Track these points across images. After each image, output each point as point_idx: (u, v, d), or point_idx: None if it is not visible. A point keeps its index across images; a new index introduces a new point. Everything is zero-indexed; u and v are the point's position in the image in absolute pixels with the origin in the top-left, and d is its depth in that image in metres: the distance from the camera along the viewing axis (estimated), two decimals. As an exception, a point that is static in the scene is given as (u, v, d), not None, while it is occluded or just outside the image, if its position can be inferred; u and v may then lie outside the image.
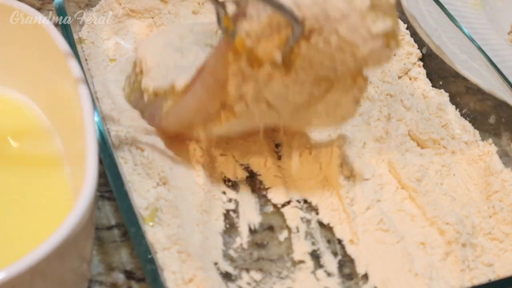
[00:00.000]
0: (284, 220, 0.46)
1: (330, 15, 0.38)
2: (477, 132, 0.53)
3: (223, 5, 0.40)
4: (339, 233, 0.46)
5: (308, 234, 0.46)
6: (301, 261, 0.44)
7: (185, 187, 0.45)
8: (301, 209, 0.47)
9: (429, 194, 0.48)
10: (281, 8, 0.38)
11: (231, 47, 0.40)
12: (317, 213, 0.47)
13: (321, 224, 0.46)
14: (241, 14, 0.39)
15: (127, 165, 0.45)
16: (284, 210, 0.47)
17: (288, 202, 0.47)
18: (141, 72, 0.49)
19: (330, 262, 0.44)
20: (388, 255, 0.44)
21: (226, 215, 0.46)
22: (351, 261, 0.44)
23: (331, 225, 0.46)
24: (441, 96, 0.56)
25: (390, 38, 0.40)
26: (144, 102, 0.48)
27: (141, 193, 0.43)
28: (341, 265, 0.44)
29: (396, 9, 0.43)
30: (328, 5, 0.38)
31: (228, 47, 0.40)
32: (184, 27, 0.51)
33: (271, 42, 0.39)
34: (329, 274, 0.43)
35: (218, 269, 0.43)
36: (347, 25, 0.38)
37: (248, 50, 0.39)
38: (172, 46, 0.49)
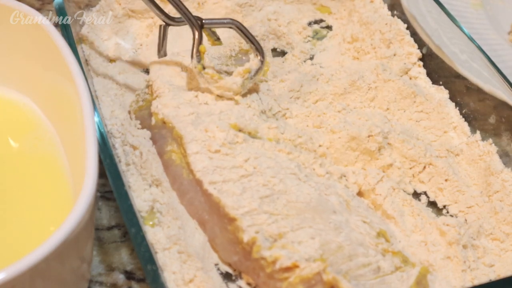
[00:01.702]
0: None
1: None
2: (477, 132, 0.53)
3: (200, 35, 0.49)
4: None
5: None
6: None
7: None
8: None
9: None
10: (254, 41, 0.50)
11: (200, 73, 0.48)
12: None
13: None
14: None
15: (120, 163, 0.45)
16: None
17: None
18: (152, 93, 0.49)
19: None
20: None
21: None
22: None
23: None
24: (441, 93, 0.57)
25: None
26: (150, 123, 0.48)
27: (139, 194, 0.43)
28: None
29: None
30: None
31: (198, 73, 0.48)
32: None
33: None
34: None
35: (218, 269, 0.43)
36: None
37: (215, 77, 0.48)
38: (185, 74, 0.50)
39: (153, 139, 0.47)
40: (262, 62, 0.49)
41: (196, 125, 0.46)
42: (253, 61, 0.49)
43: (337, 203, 0.44)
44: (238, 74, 0.48)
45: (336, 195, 0.45)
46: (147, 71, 0.55)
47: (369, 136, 0.49)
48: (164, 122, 0.47)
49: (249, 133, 0.47)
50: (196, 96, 0.48)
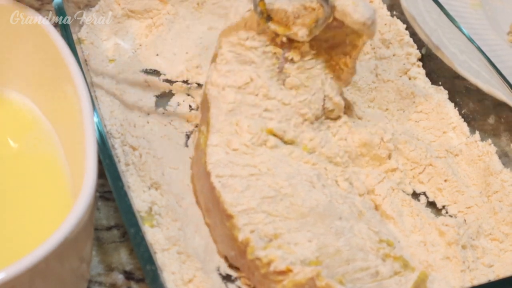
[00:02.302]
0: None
1: None
2: (476, 132, 0.53)
3: None
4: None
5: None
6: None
7: (181, 193, 0.45)
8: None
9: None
10: None
11: (266, 29, 0.45)
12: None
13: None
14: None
15: (119, 164, 0.45)
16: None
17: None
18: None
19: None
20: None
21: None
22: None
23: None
24: (441, 93, 0.57)
25: None
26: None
27: (138, 194, 0.43)
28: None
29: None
30: None
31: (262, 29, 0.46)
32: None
33: (303, 21, 0.45)
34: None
35: (218, 270, 0.43)
36: None
37: (283, 30, 0.45)
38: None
39: (201, 105, 0.47)
40: (328, 8, 0.44)
41: (230, 115, 0.45)
42: (319, 10, 0.45)
43: (347, 211, 0.43)
44: (305, 25, 0.45)
45: (350, 204, 0.44)
46: (146, 71, 0.55)
47: (380, 143, 0.49)
48: (206, 98, 0.46)
49: (285, 141, 0.46)
50: (251, 81, 0.46)
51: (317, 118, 0.47)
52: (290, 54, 0.46)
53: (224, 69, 0.46)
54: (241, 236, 0.40)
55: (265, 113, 0.45)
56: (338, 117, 0.48)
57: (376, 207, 0.48)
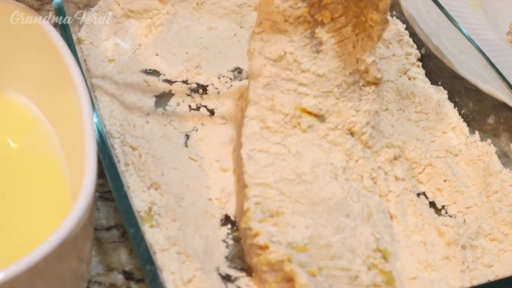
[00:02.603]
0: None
1: None
2: (476, 132, 0.53)
3: None
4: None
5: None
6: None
7: (180, 193, 0.45)
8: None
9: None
10: None
11: None
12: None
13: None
14: None
15: (119, 164, 0.45)
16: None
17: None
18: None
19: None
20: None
21: (228, 221, 0.46)
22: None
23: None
24: (440, 94, 0.57)
25: None
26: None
27: (138, 194, 0.43)
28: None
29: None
30: None
31: None
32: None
33: None
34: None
35: (218, 270, 0.43)
36: None
37: None
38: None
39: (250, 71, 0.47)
40: None
41: (266, 90, 0.46)
42: None
43: (357, 210, 0.44)
44: None
45: (364, 204, 0.44)
46: (146, 71, 0.55)
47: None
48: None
49: (320, 117, 0.46)
50: (286, 54, 0.46)
51: (354, 83, 0.47)
52: (320, 16, 0.46)
53: (263, 38, 0.46)
54: (246, 205, 0.41)
55: (300, 87, 0.46)
56: (377, 81, 0.48)
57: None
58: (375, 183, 0.47)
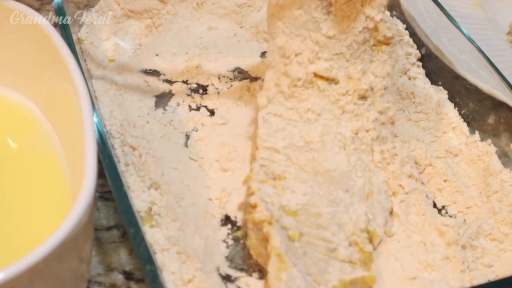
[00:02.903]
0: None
1: None
2: (476, 132, 0.53)
3: None
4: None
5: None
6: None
7: (181, 193, 0.45)
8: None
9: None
10: None
11: None
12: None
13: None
14: None
15: (119, 164, 0.45)
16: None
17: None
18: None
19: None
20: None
21: (228, 221, 0.46)
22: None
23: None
24: (440, 94, 0.57)
25: None
26: None
27: (138, 194, 0.43)
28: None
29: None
30: None
31: None
32: None
33: None
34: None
35: (218, 270, 0.43)
36: None
37: None
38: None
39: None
40: None
41: (281, 52, 0.46)
42: None
43: (358, 187, 0.45)
44: None
45: (367, 181, 0.45)
46: (146, 71, 0.55)
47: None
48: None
49: (332, 80, 0.47)
50: (300, 16, 0.47)
51: (364, 42, 0.48)
52: None
53: (278, 2, 0.47)
54: (252, 166, 0.44)
55: (313, 53, 0.47)
56: (387, 41, 0.48)
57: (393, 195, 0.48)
58: (385, 159, 0.47)
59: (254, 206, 0.41)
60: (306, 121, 0.46)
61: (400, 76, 0.57)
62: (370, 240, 0.44)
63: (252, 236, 0.42)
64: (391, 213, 0.47)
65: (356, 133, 0.47)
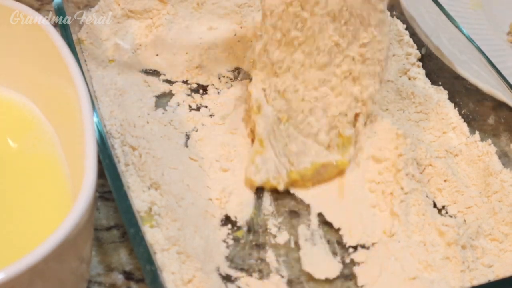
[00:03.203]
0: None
1: None
2: (476, 132, 0.53)
3: None
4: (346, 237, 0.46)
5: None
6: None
7: (181, 193, 0.45)
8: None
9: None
10: None
11: None
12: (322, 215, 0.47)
13: (324, 223, 0.46)
14: None
15: (119, 164, 0.45)
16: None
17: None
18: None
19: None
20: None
21: (228, 221, 0.46)
22: (352, 263, 0.44)
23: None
24: (440, 94, 0.57)
25: None
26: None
27: (138, 194, 0.43)
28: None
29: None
30: None
31: None
32: None
33: None
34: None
35: (218, 270, 0.43)
36: None
37: None
38: None
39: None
40: None
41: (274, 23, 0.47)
42: None
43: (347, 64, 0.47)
44: None
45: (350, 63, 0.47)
46: (146, 71, 0.55)
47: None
48: None
49: None
50: None
51: None
52: None
53: None
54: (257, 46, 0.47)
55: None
56: None
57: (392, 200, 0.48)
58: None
59: (249, 94, 0.46)
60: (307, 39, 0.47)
61: (400, 76, 0.57)
62: (352, 124, 0.47)
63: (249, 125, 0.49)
64: (392, 213, 0.47)
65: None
